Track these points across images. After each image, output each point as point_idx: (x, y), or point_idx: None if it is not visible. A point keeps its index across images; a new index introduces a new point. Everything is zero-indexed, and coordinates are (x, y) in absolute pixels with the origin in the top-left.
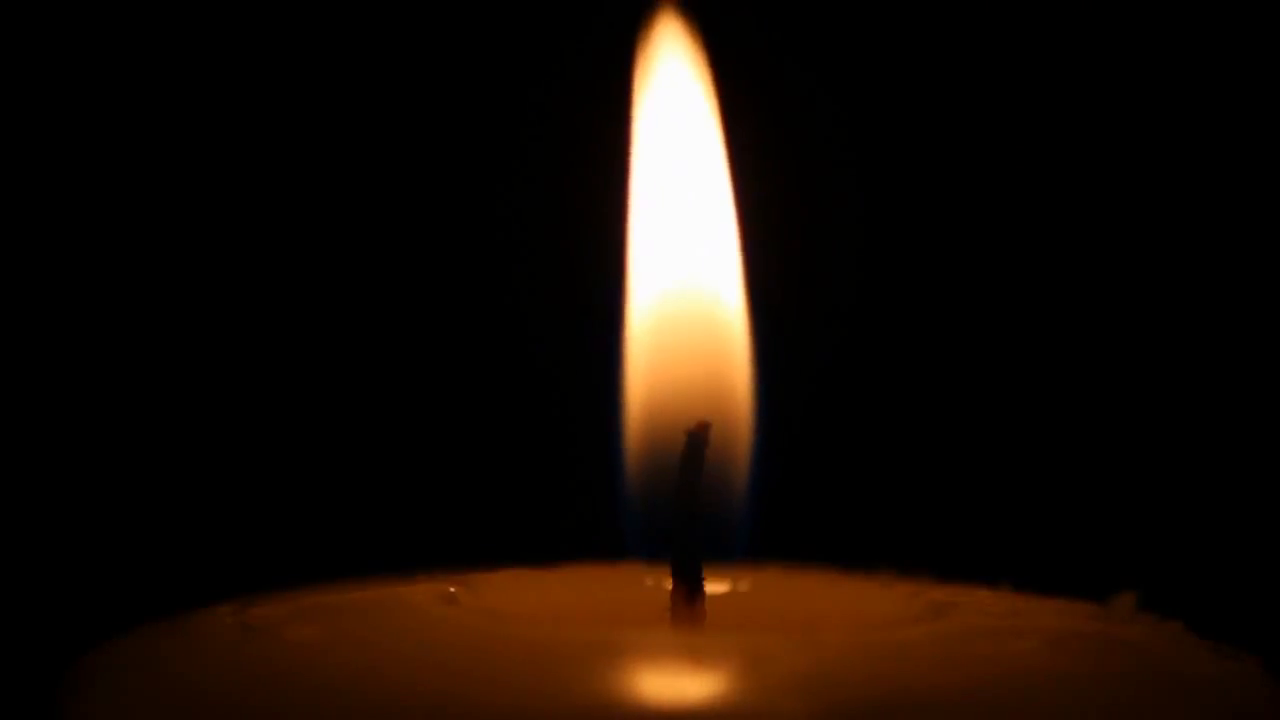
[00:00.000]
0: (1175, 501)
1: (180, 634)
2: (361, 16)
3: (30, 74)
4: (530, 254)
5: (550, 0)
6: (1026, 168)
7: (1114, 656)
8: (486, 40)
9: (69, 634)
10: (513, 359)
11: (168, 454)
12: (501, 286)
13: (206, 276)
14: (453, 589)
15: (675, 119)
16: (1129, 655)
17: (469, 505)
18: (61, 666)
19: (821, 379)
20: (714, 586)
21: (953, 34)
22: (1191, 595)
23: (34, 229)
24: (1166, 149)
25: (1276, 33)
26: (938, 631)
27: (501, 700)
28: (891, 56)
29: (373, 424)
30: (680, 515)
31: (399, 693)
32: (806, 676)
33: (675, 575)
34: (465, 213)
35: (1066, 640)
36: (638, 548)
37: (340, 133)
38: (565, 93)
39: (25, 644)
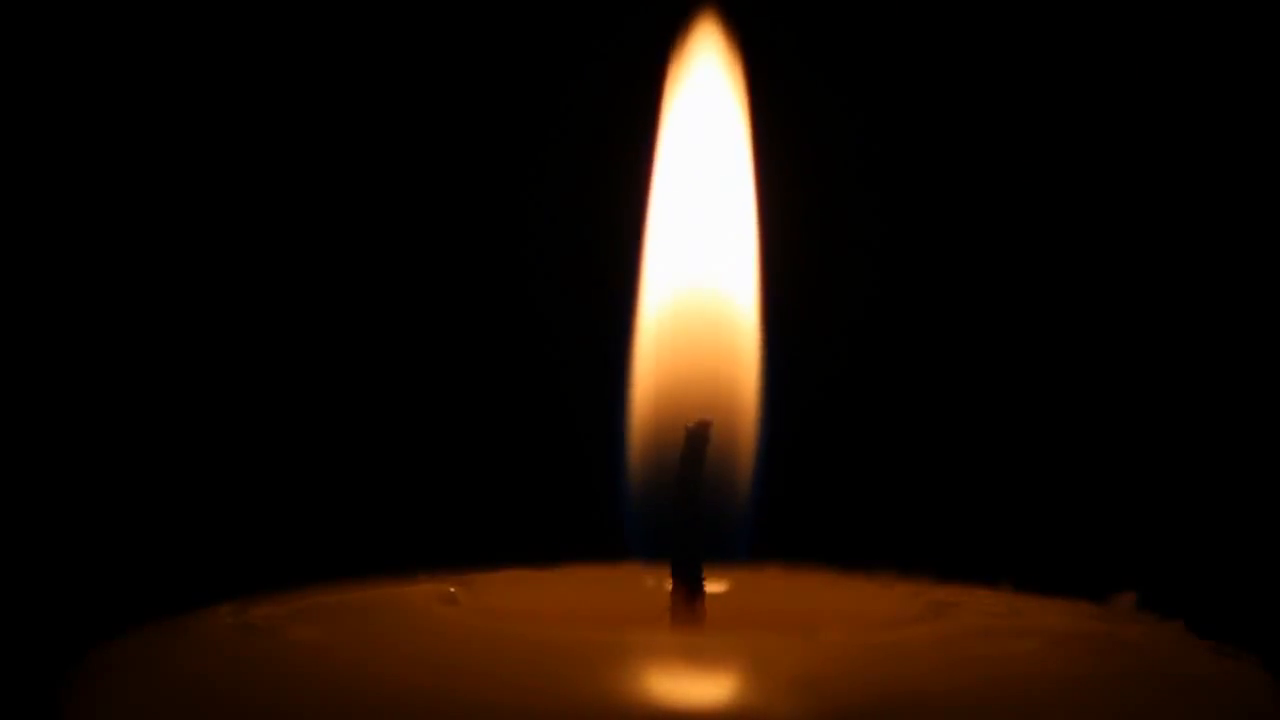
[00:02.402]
0: (1175, 501)
1: (180, 634)
2: (384, 8)
3: (30, 74)
4: (537, 253)
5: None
6: (1032, 177)
7: (1114, 656)
8: (512, 36)
9: (69, 634)
10: (514, 359)
11: (167, 454)
12: (506, 286)
13: (208, 276)
14: (453, 589)
15: (700, 119)
16: (1129, 655)
17: (469, 505)
18: (61, 666)
19: (823, 380)
20: (714, 586)
21: (979, 46)
22: (1191, 595)
23: (34, 229)
24: (1173, 158)
25: (1277, 33)
26: (938, 631)
27: (501, 700)
28: (916, 67)
29: (373, 424)
30: (680, 514)
31: (399, 693)
32: (806, 677)
33: (675, 575)
34: (472, 211)
35: (1066, 640)
36: (638, 548)
37: (350, 123)
38: (587, 89)
39: (25, 644)
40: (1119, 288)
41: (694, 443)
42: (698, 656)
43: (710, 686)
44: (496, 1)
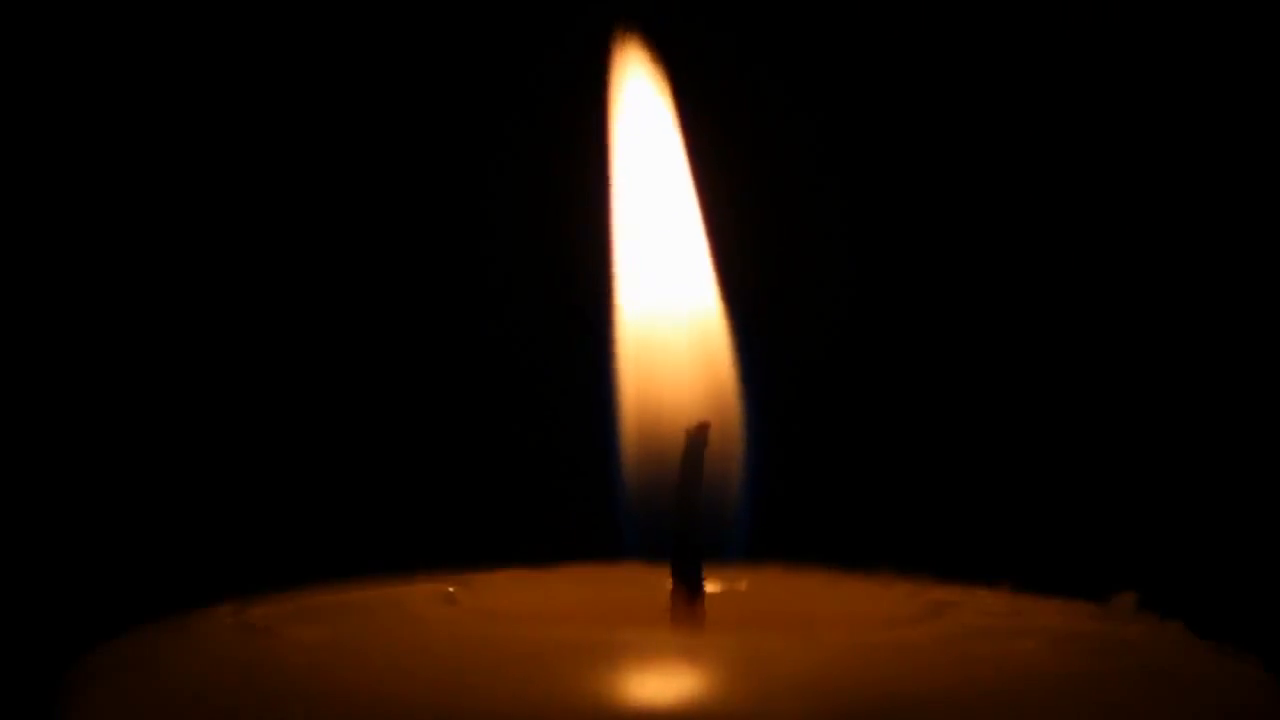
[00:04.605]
0: (1175, 501)
1: (180, 634)
2: (341, 45)
3: (30, 74)
4: (529, 258)
5: (524, 25)
6: (1017, 172)
7: (1114, 656)
8: (466, 60)
9: (69, 634)
10: (512, 360)
11: (167, 454)
12: (499, 288)
13: (207, 278)
14: (452, 589)
15: (650, 136)
16: (1129, 655)
17: (469, 505)
18: (61, 666)
19: (821, 378)
20: (714, 586)
21: (924, 47)
22: (1191, 595)
23: (34, 229)
24: (1159, 143)
25: (1277, 33)
26: (938, 631)
27: (501, 700)
28: (861, 68)
29: (372, 424)
30: (680, 515)
31: (399, 693)
32: (806, 677)
33: (675, 575)
34: (462, 218)
35: (1066, 640)
36: (636, 548)
37: (345, 153)
38: (553, 103)
39: (25, 644)
40: (1118, 287)
41: (694, 445)
42: (698, 656)
43: (710, 687)
44: (445, 32)
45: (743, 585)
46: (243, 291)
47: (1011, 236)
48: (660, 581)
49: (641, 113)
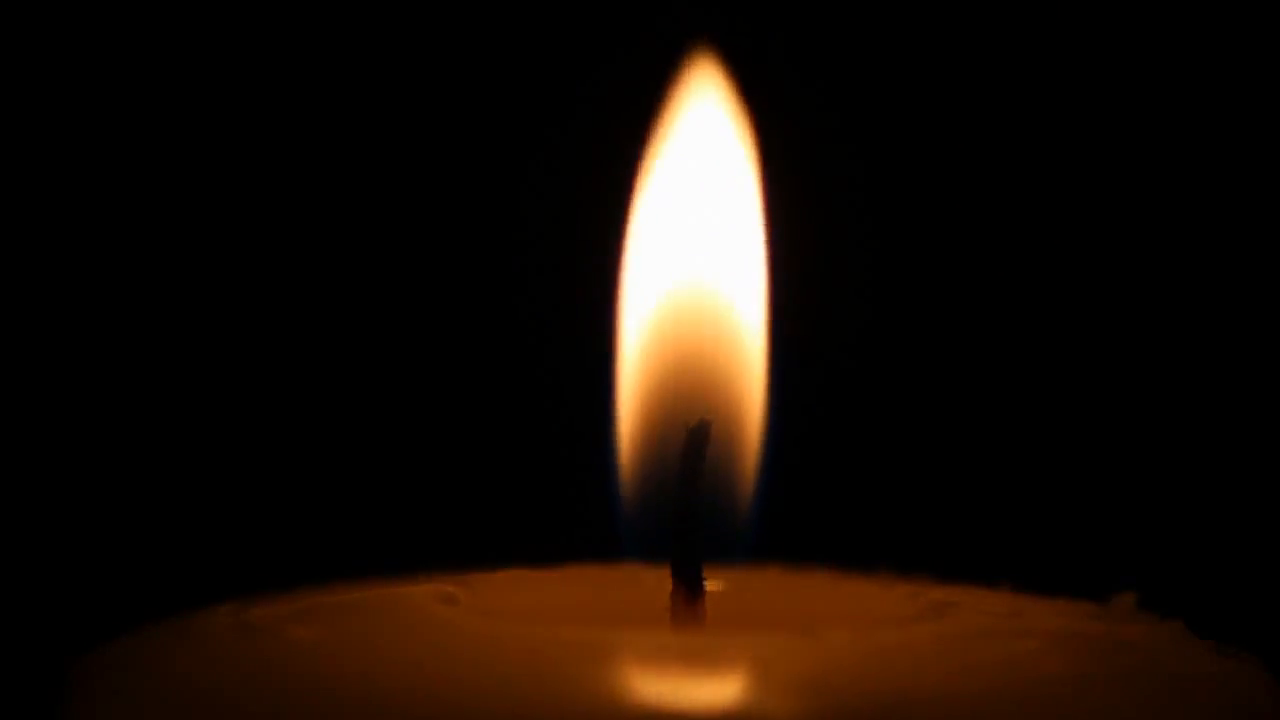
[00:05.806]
0: (1175, 501)
1: (180, 634)
2: (378, 15)
3: (30, 74)
4: (531, 254)
5: (582, 7)
6: (1030, 180)
7: (1114, 656)
8: (508, 44)
9: (69, 634)
10: (513, 359)
11: (167, 454)
12: (502, 286)
13: (207, 277)
14: (453, 589)
15: (696, 121)
16: (1129, 655)
17: (469, 505)
18: (61, 666)
19: (824, 380)
20: (714, 586)
21: (975, 53)
22: (1191, 595)
23: (34, 229)
24: (1171, 159)
25: (1277, 33)
26: (938, 632)
27: (501, 700)
28: (911, 73)
29: (372, 424)
30: (680, 513)
31: (399, 693)
32: (807, 677)
33: (675, 575)
34: (464, 213)
35: (1066, 640)
36: (634, 550)
37: (342, 129)
38: (581, 92)
39: (25, 644)
40: (1118, 288)
41: (695, 442)
42: (698, 657)
43: (710, 687)
44: (495, 10)
45: (743, 585)
46: (243, 291)
47: (1011, 241)
48: (660, 581)
49: (697, 101)
